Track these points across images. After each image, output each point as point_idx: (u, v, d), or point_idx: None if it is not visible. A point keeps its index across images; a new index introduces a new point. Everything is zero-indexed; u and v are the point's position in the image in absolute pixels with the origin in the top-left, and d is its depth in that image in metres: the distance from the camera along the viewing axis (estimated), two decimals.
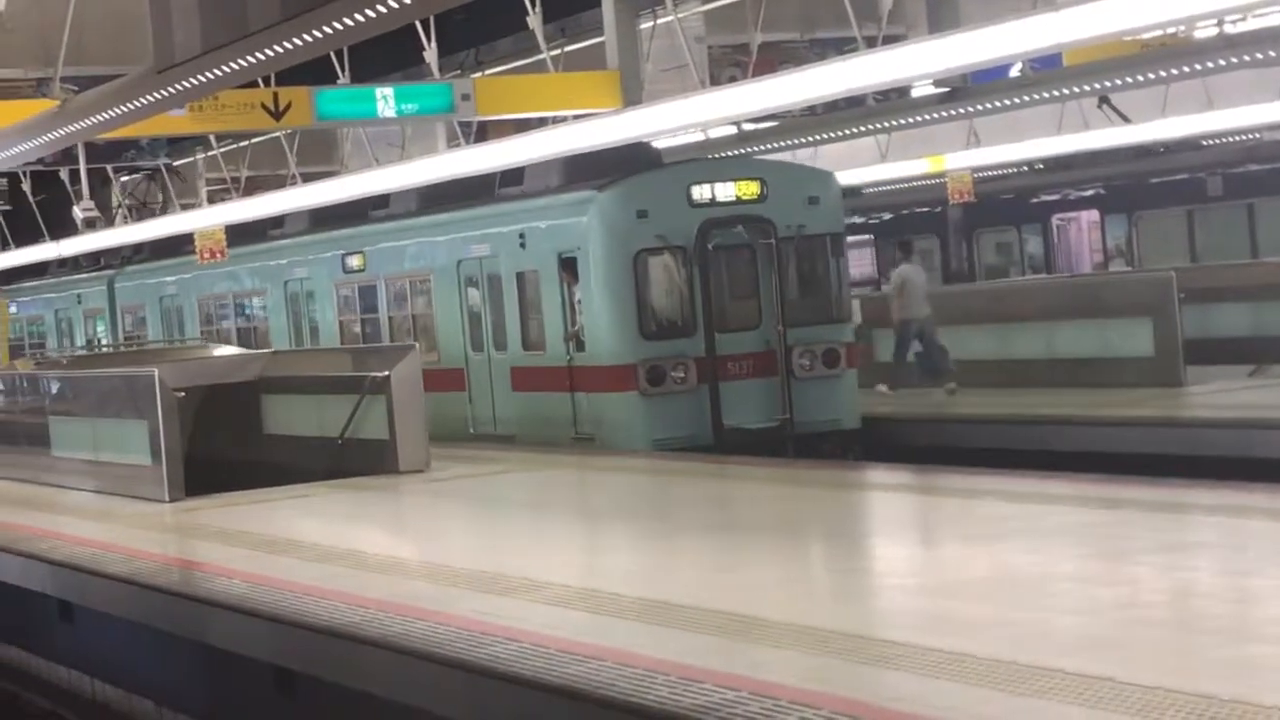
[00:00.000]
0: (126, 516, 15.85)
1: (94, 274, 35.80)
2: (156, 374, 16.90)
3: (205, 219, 27.08)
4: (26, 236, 35.95)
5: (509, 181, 21.58)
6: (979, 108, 21.68)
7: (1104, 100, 25.83)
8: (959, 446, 18.47)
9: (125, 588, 12.16)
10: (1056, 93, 20.93)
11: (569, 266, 19.69)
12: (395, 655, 8.90)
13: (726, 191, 19.48)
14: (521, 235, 20.49)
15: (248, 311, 28.53)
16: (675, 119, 16.74)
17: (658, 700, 7.23)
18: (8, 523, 16.30)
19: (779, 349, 19.24)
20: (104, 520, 15.81)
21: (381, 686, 9.24)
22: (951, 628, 8.20)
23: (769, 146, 26.03)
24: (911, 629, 8.22)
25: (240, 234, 27.92)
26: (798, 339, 19.24)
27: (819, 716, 6.76)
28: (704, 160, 22.27)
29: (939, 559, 10.45)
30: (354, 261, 24.51)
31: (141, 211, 33.94)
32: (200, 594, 11.24)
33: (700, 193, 19.40)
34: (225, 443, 19.25)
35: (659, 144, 24.03)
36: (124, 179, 34.23)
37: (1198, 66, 19.25)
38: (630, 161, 20.01)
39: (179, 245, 30.47)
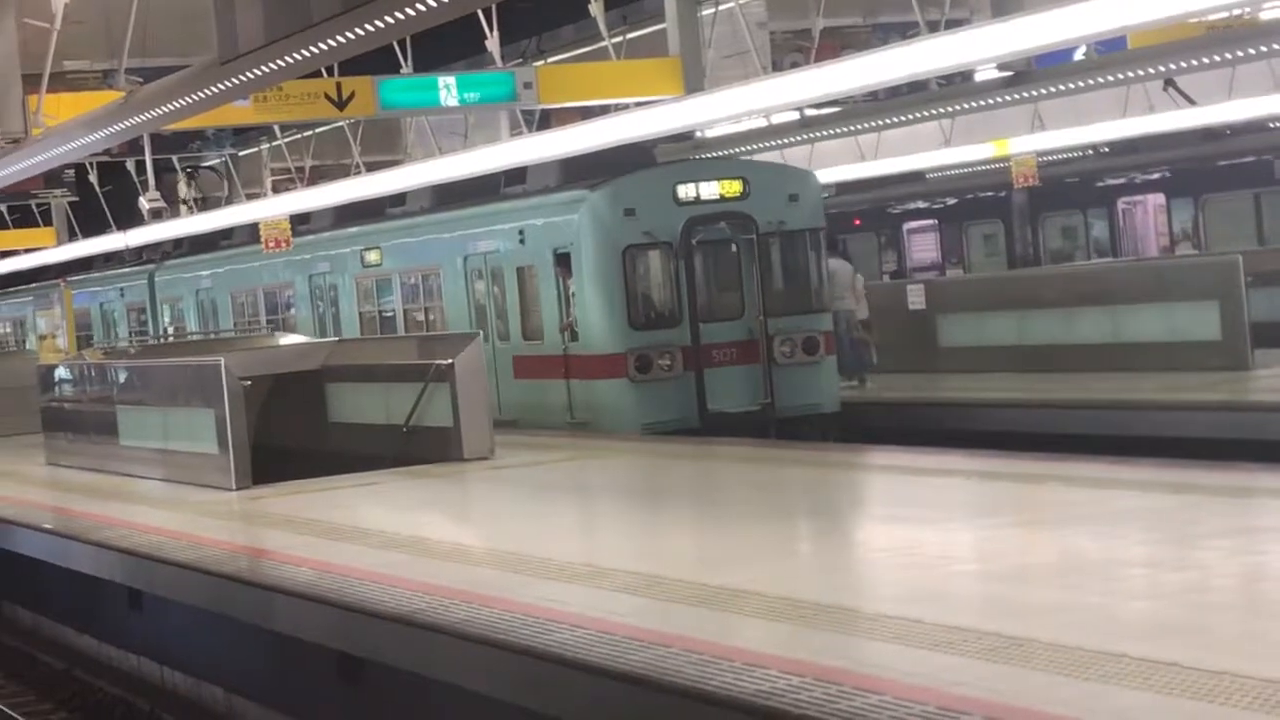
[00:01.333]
0: (194, 504, 15.95)
1: (136, 268, 36.88)
2: (223, 363, 16.99)
3: (265, 209, 27.26)
4: (93, 227, 36.26)
5: (512, 181, 22.91)
6: (1043, 91, 21.55)
7: (1169, 83, 25.63)
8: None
9: (193, 575, 12.23)
10: (1121, 76, 20.77)
11: (564, 262, 20.79)
12: (460, 642, 8.93)
13: (710, 190, 20.59)
14: (521, 232, 21.70)
15: (276, 304, 29.71)
16: (737, 106, 16.72)
17: (720, 686, 7.24)
18: (77, 511, 16.44)
19: (761, 337, 20.35)
20: (171, 508, 15.91)
21: (447, 673, 9.28)
22: (1015, 612, 8.17)
23: (832, 132, 25.99)
24: (974, 614, 8.19)
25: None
26: (779, 328, 20.35)
27: (882, 701, 6.76)
28: (689, 161, 23.46)
29: (1002, 544, 10.41)
30: (371, 256, 25.75)
31: (200, 206, 34.42)
32: (267, 581, 11.30)
33: (685, 191, 20.48)
34: (291, 431, 19.35)
35: (719, 130, 25.00)
36: (189, 169, 34.50)
37: (1264, 48, 19.08)
38: (623, 162, 21.05)
39: (215, 241, 31.98)
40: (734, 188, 20.64)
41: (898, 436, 18.75)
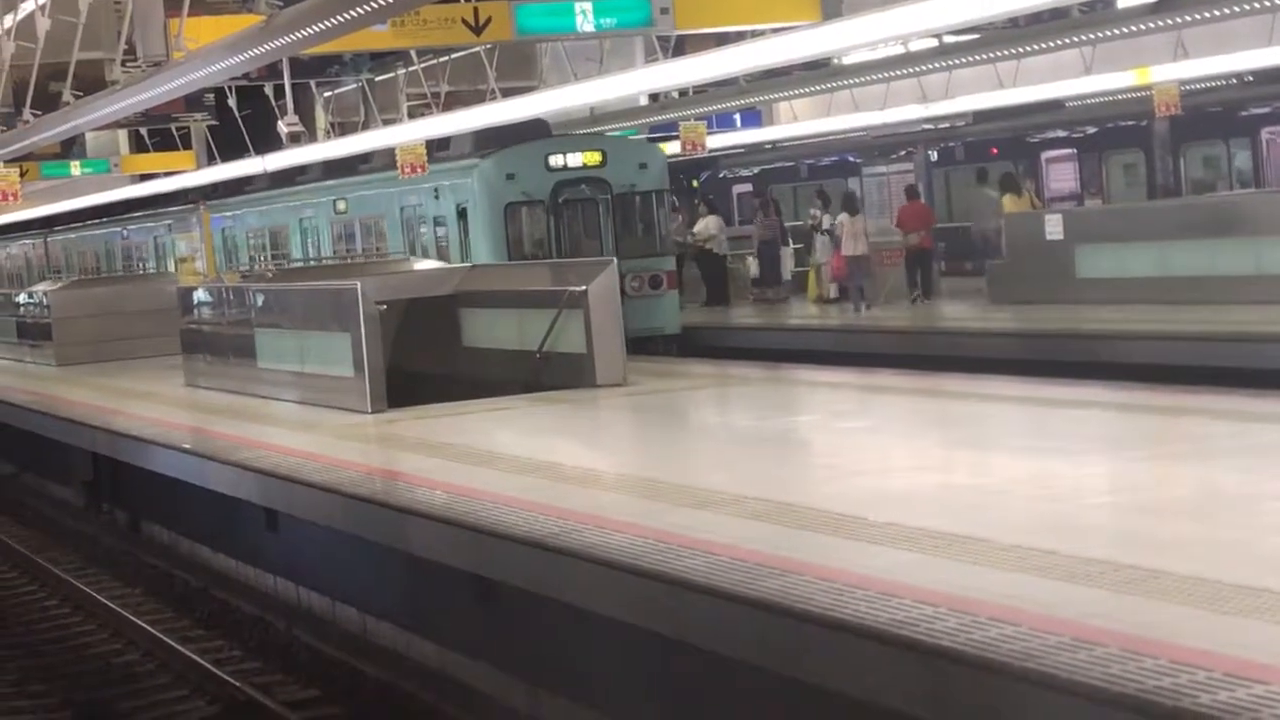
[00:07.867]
0: (330, 427, 16.09)
1: (182, 207, 41.28)
2: (359, 287, 17.09)
3: (400, 135, 27.62)
4: (232, 151, 36.63)
5: (441, 148, 28.30)
6: (1187, 19, 21.19)
7: None
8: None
9: (329, 497, 12.34)
10: (1267, 2, 20.38)
11: (464, 214, 26.19)
12: (594, 566, 8.95)
13: (576, 160, 26.01)
14: (436, 190, 27.26)
15: (277, 240, 35.04)
16: (875, 32, 16.58)
17: (854, 614, 7.23)
18: (217, 432, 16.64)
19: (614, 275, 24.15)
20: (308, 430, 16.06)
21: (580, 597, 9.31)
22: (1151, 545, 8.09)
23: (970, 59, 25.73)
24: (1109, 546, 8.11)
25: (274, 180, 34.81)
26: (629, 268, 24.70)
27: (1016, 632, 6.72)
28: (560, 137, 28.31)
29: (1139, 477, 10.30)
30: (340, 205, 31.43)
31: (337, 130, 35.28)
32: (402, 504, 11.39)
33: (555, 160, 25.94)
34: (424, 355, 19.46)
35: (854, 58, 27.40)
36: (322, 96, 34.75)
37: None
38: (520, 135, 26.24)
39: (240, 185, 36.73)
40: (594, 158, 25.97)
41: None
